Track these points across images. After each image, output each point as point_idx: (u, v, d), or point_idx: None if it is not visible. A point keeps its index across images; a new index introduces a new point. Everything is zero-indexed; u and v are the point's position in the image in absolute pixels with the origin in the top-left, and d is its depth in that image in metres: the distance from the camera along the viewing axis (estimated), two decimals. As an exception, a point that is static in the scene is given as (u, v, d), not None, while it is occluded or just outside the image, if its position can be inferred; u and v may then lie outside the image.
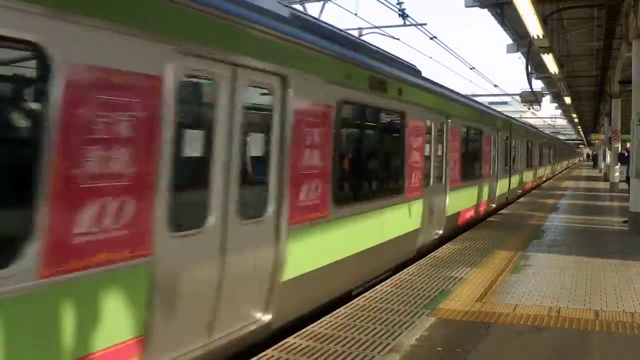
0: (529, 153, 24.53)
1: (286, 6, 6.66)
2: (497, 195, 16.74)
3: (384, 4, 14.39)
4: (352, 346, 5.08)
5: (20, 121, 3.62)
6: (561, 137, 73.08)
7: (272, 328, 5.48)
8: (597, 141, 47.74)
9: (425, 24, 17.32)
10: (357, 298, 6.68)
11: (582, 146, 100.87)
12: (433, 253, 9.64)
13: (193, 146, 4.76)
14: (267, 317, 5.39)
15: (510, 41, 21.03)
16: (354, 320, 5.81)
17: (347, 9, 15.11)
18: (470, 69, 26.44)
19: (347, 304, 6.41)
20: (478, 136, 14.61)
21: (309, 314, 6.26)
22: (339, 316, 5.95)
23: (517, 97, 32.98)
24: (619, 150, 24.19)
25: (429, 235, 10.47)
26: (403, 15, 16.01)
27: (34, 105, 3.49)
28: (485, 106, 17.84)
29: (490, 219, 14.78)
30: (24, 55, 3.33)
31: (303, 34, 6.20)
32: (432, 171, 10.67)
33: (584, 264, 8.93)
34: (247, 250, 5.09)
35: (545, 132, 37.23)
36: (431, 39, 18.17)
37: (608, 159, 32.28)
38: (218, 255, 4.73)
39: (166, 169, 4.11)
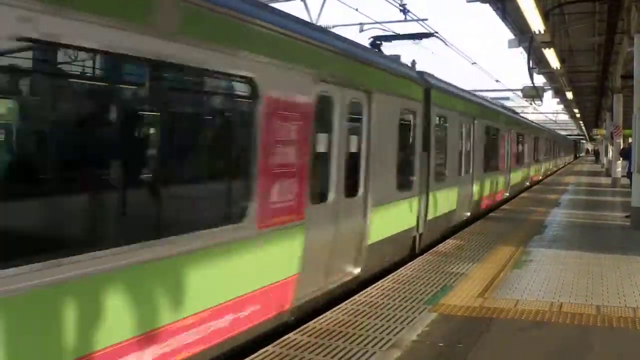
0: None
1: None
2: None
3: (385, -1, 14.35)
4: (353, 342, 5.08)
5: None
6: (563, 132, 73.04)
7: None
8: (598, 136, 47.62)
9: (427, 19, 17.30)
10: (359, 294, 6.67)
11: (583, 141, 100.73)
12: (435, 248, 9.63)
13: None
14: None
15: (511, 36, 20.98)
16: (355, 316, 5.80)
17: (348, 4, 15.06)
18: (472, 64, 26.40)
19: (348, 300, 6.40)
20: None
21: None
22: (339, 312, 5.94)
23: (519, 93, 32.90)
24: (621, 146, 24.14)
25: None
26: (404, 10, 15.98)
27: None
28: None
29: (491, 214, 14.79)
30: None
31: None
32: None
33: (586, 259, 8.91)
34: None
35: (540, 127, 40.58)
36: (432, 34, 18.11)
37: (610, 154, 32.23)
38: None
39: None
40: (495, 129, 16.75)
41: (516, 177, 20.75)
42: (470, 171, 13.58)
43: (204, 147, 5.28)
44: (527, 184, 24.22)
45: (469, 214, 13.40)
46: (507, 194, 18.71)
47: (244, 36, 5.08)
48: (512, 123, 20.33)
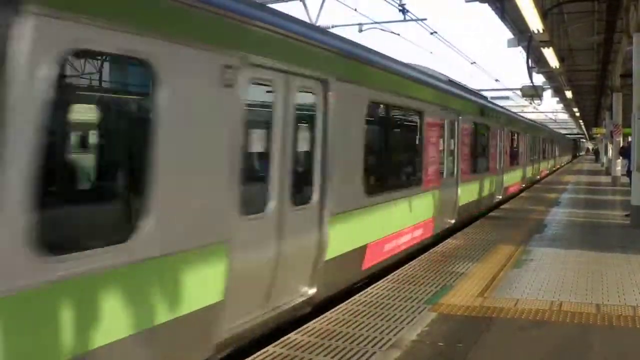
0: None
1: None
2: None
3: (383, -1, 14.37)
4: (353, 342, 5.08)
5: None
6: (563, 131, 73.16)
7: None
8: (598, 135, 47.68)
9: (426, 19, 17.32)
10: (359, 294, 6.68)
11: (583, 140, 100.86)
12: (434, 248, 9.64)
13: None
14: None
15: (510, 35, 21.01)
16: (355, 316, 5.81)
17: (346, 5, 15.07)
18: (471, 63, 26.45)
19: (348, 300, 6.41)
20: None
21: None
22: (340, 312, 5.95)
23: (518, 92, 32.97)
24: (621, 144, 24.15)
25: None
26: (403, 10, 16.00)
27: None
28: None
29: (491, 213, 14.79)
30: None
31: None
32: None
33: (586, 258, 8.91)
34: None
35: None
36: (431, 34, 18.16)
37: (610, 153, 32.26)
38: None
39: None
40: (413, 111, 9.73)
41: (472, 193, 13.69)
42: (315, 197, 6.25)
43: None
44: (499, 197, 17.28)
45: (312, 289, 6.31)
46: (452, 221, 11.85)
47: None
48: (468, 107, 13.36)
